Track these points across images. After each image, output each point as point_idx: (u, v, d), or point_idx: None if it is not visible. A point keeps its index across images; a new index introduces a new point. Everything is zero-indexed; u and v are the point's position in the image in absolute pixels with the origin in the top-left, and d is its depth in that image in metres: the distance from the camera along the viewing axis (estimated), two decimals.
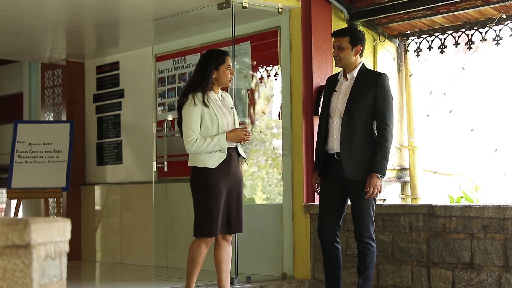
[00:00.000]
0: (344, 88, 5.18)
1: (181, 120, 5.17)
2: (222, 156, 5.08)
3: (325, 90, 5.42)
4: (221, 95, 5.26)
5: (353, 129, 5.06)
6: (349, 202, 5.31)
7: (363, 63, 5.24)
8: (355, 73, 5.18)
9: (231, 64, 5.23)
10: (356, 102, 5.07)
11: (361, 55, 5.21)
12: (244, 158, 5.29)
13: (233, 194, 5.16)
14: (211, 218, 5.05)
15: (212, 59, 5.17)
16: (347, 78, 5.20)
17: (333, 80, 5.34)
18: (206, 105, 5.07)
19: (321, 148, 5.28)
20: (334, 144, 5.15)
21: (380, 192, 5.06)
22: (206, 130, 5.07)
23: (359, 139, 5.07)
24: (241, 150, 5.24)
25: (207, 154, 5.07)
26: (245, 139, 5.15)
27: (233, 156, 5.16)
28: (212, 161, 5.07)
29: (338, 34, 5.26)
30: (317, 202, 6.54)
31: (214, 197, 5.05)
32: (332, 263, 5.27)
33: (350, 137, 5.06)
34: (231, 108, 5.29)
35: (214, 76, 5.14)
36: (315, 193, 5.41)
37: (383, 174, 5.05)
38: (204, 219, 5.07)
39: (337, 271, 5.29)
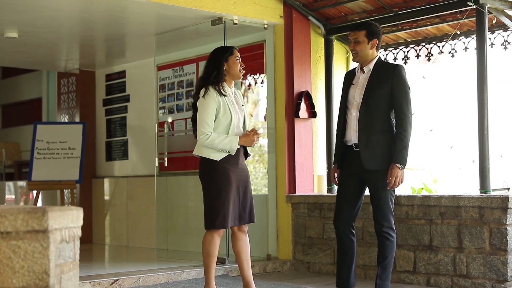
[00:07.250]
0: (361, 80, 4.64)
1: (196, 114, 4.59)
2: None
3: (343, 85, 4.82)
4: (234, 91, 4.68)
5: (370, 119, 4.52)
6: (367, 192, 4.73)
7: (379, 57, 4.69)
8: (371, 65, 4.62)
9: (239, 56, 4.66)
10: (373, 93, 4.53)
11: (377, 48, 4.66)
12: (248, 155, 4.75)
13: (242, 186, 4.62)
14: (224, 210, 4.49)
15: (220, 53, 4.66)
16: (364, 71, 4.65)
17: (350, 75, 4.78)
18: (223, 94, 4.52)
19: (340, 140, 4.73)
20: (352, 136, 4.60)
21: (402, 182, 4.48)
22: (218, 122, 4.51)
23: (377, 129, 4.52)
24: (248, 148, 4.76)
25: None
26: (256, 141, 4.64)
27: (240, 150, 4.62)
28: (217, 154, 4.53)
29: (355, 28, 4.69)
30: (298, 193, 6.54)
31: (226, 189, 4.50)
32: (348, 254, 4.70)
33: (367, 128, 4.52)
34: (242, 105, 4.72)
35: (224, 68, 4.59)
36: (334, 185, 4.76)
37: (404, 164, 4.47)
38: (217, 211, 4.49)
39: (351, 263, 4.71)
